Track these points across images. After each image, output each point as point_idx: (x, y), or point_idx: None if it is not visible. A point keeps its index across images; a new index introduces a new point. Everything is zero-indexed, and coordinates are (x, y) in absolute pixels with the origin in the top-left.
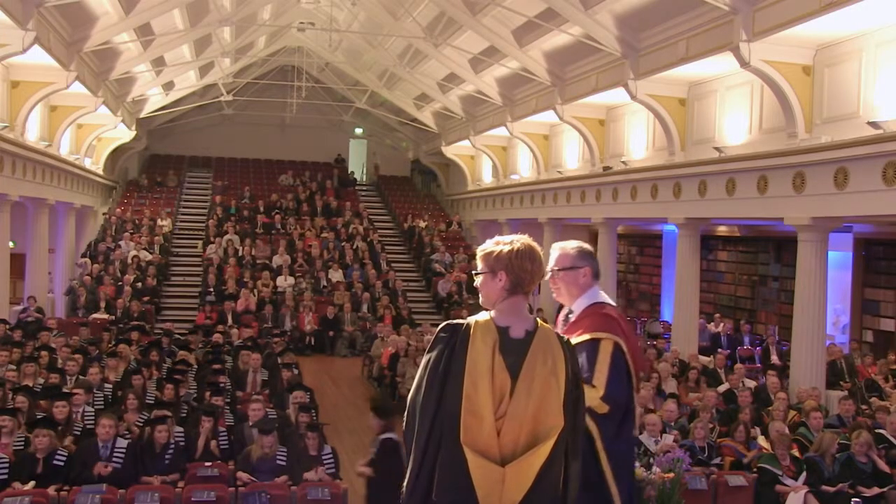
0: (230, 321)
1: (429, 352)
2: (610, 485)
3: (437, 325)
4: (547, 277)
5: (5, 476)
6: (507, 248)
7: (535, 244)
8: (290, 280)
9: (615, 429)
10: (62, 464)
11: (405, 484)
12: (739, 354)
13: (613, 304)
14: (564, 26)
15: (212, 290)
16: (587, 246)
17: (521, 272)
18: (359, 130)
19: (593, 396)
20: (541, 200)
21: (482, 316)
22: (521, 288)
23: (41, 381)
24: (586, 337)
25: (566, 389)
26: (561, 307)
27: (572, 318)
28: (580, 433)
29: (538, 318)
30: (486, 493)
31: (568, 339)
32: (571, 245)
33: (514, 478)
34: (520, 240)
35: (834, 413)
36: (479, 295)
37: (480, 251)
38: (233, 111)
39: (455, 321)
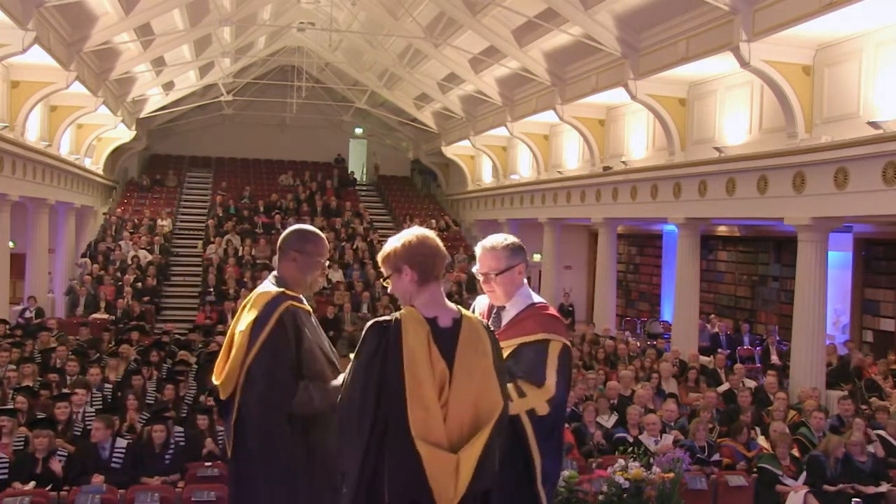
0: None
1: (358, 353)
2: (539, 489)
3: None
4: (480, 280)
5: (5, 476)
6: (400, 244)
7: (424, 231)
8: None
9: (548, 433)
10: (62, 464)
11: (345, 495)
12: (739, 354)
13: (546, 302)
14: (564, 26)
15: (212, 290)
16: (515, 239)
17: (422, 260)
18: (359, 130)
19: (541, 397)
20: (541, 200)
21: (408, 310)
22: (429, 276)
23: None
24: (539, 337)
25: (497, 373)
26: (497, 307)
27: (507, 316)
28: (507, 412)
29: (459, 307)
30: (443, 484)
31: (488, 325)
32: (501, 243)
33: (466, 463)
34: (410, 232)
35: (834, 413)
36: (398, 297)
37: (379, 258)
38: (233, 111)
39: (381, 319)
